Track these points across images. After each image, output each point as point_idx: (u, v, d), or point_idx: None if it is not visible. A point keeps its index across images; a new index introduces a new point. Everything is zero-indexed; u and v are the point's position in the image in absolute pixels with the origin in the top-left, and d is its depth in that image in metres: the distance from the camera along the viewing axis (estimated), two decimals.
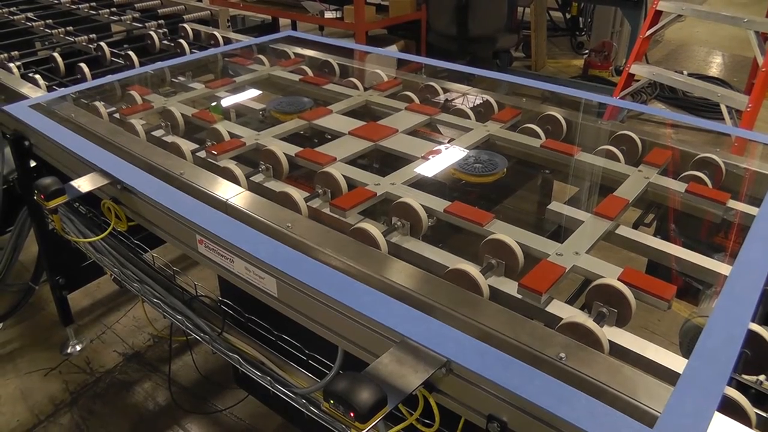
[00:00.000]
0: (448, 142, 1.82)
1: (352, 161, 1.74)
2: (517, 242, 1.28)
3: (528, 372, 0.97)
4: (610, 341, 1.08)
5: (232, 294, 1.67)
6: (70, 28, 3.09)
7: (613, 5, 6.21)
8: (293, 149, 1.74)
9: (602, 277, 1.20)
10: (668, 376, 1.01)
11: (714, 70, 7.03)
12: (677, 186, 1.60)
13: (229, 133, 1.85)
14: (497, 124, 1.94)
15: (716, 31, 8.09)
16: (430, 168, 1.67)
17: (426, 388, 1.05)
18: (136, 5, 3.67)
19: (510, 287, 1.22)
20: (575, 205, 1.51)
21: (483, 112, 2.10)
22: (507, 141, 1.87)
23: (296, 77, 2.44)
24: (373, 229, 1.33)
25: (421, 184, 1.61)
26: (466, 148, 1.78)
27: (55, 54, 2.63)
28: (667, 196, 1.61)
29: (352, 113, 2.09)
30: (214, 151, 1.73)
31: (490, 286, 1.21)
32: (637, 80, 4.56)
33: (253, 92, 2.34)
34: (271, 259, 1.27)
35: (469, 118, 2.04)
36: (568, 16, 7.53)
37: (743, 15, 3.76)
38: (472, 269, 1.20)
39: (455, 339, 1.04)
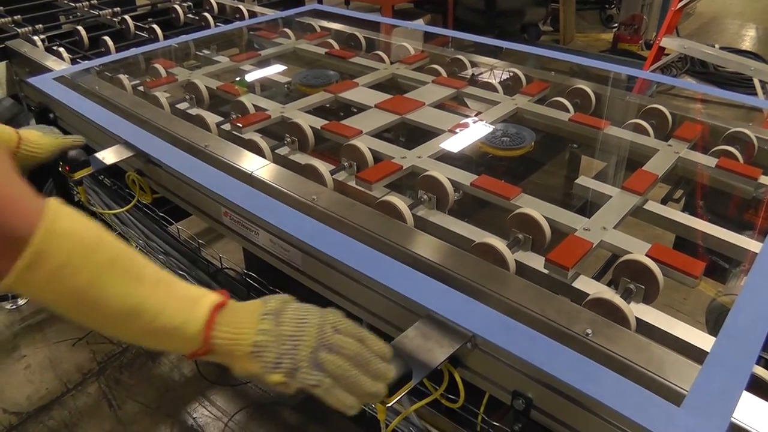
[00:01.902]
0: (475, 116, 1.80)
1: (378, 134, 1.73)
2: (545, 217, 1.26)
3: (554, 348, 0.96)
4: (637, 318, 1.07)
5: (257, 266, 1.67)
6: (94, 2, 3.09)
7: None
8: (319, 122, 1.73)
9: (630, 252, 1.18)
10: (696, 354, 0.99)
11: (747, 44, 6.88)
12: (708, 161, 1.57)
13: (254, 105, 1.85)
14: (525, 97, 1.92)
15: (751, 3, 7.91)
16: (457, 141, 1.65)
17: (451, 363, 1.04)
18: None
19: (537, 262, 1.21)
20: (603, 179, 1.49)
21: (511, 86, 2.08)
22: (535, 114, 1.84)
23: (322, 50, 2.42)
24: (399, 202, 1.32)
25: (447, 157, 1.59)
26: (494, 121, 1.76)
27: (80, 27, 2.63)
28: (697, 171, 1.58)
29: (378, 86, 2.07)
30: (239, 124, 1.72)
31: (516, 261, 1.20)
32: (668, 54, 4.48)
33: (279, 65, 2.33)
34: (296, 231, 1.26)
35: (496, 91, 2.01)
36: None
37: None
38: (499, 243, 1.19)
39: (481, 313, 1.04)
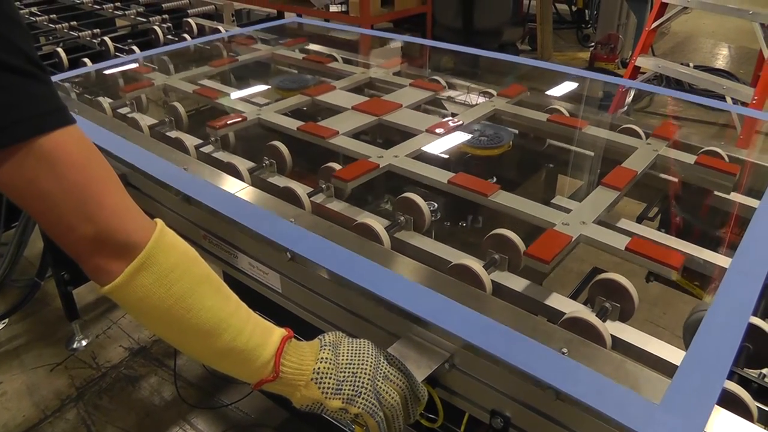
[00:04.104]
0: (453, 117, 1.80)
1: (355, 136, 1.73)
2: (523, 212, 1.28)
3: (533, 348, 0.97)
4: (612, 336, 1.08)
5: (237, 289, 1.67)
6: (74, 23, 3.11)
7: None
8: (295, 124, 1.74)
9: (609, 245, 1.20)
10: (670, 370, 1.00)
11: (720, 62, 7.00)
12: (687, 158, 1.58)
13: (231, 108, 1.85)
14: (503, 99, 1.93)
15: (723, 23, 8.05)
16: (435, 141, 1.65)
17: (429, 383, 1.05)
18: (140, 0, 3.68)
19: (513, 282, 1.22)
20: (580, 198, 1.50)
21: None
22: (513, 115, 1.85)
23: (300, 56, 2.44)
24: (376, 224, 1.32)
25: (425, 157, 1.60)
26: (472, 122, 1.77)
27: (59, 49, 2.63)
28: (677, 168, 1.59)
29: (355, 90, 2.08)
30: (214, 125, 1.72)
31: (493, 281, 1.21)
32: (643, 73, 4.55)
33: (256, 71, 2.34)
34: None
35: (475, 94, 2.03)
36: (573, 8, 7.51)
37: (749, 7, 3.74)
38: (475, 264, 1.20)
39: (461, 314, 1.05)
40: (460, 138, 1.67)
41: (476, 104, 2.04)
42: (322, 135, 1.65)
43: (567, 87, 2.18)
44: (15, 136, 0.75)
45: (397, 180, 1.55)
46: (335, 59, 2.43)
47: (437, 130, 1.71)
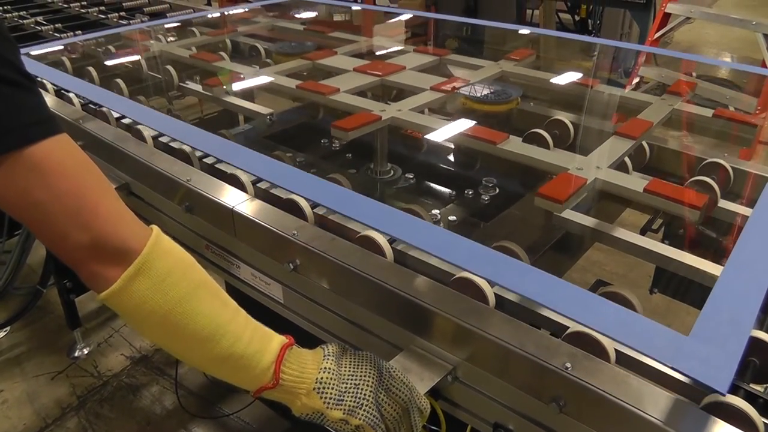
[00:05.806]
0: (459, 78, 1.78)
1: (358, 96, 1.70)
2: (535, 158, 1.28)
3: (551, 282, 0.97)
4: (616, 350, 1.07)
5: (239, 299, 1.67)
6: (78, 32, 3.12)
7: (622, 8, 6.19)
8: (294, 83, 1.72)
9: (626, 188, 1.21)
10: (672, 384, 1.00)
11: (723, 72, 7.00)
12: (703, 111, 1.58)
13: (230, 71, 1.85)
14: (510, 62, 1.92)
15: (726, 33, 8.05)
16: (439, 97, 1.63)
17: (432, 395, 1.04)
18: (123, 4, 3.74)
19: (515, 295, 1.21)
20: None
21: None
22: (520, 77, 1.84)
23: (300, 27, 2.44)
24: (378, 236, 1.32)
25: (429, 112, 1.59)
26: (479, 82, 1.75)
27: (64, 57, 2.64)
28: (691, 122, 1.59)
29: (357, 55, 2.07)
30: (210, 84, 1.71)
31: (495, 295, 1.20)
32: (646, 82, 4.54)
33: (256, 41, 2.34)
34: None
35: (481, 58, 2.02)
36: (577, 18, 7.51)
37: (752, 17, 3.75)
38: (478, 277, 1.20)
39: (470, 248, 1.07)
40: (466, 94, 1.63)
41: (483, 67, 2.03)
42: (322, 92, 1.61)
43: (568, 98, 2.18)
44: (4, 146, 0.75)
45: (402, 151, 1.52)
46: (336, 29, 2.41)
47: (443, 88, 1.66)
